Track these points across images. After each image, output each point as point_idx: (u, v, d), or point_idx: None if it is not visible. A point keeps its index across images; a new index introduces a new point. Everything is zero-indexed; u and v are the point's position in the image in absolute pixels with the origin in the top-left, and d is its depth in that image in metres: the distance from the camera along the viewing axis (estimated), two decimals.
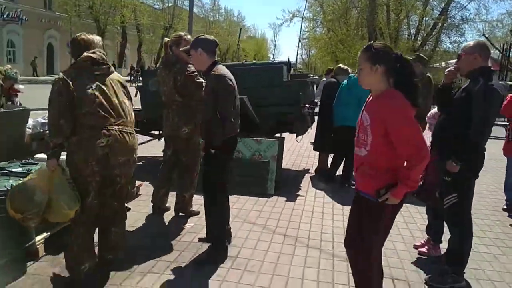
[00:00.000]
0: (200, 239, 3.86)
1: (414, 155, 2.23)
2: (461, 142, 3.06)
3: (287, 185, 5.94)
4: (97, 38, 3.16)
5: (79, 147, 2.85)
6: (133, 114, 3.13)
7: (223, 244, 3.64)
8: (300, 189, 5.84)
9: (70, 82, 2.81)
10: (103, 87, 2.92)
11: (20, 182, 2.95)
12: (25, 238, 3.22)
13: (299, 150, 8.79)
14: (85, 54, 2.93)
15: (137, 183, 5.16)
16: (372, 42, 2.48)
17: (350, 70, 6.87)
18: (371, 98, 2.50)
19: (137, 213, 4.54)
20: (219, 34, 45.54)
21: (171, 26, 37.01)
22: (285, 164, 7.27)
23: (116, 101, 2.95)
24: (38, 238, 3.38)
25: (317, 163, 6.89)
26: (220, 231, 3.63)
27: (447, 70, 3.33)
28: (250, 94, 5.86)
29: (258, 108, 5.90)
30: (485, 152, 3.22)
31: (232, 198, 5.12)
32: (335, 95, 6.17)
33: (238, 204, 5.01)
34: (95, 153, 2.85)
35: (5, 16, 29.05)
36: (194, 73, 4.11)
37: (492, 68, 3.23)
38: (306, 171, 6.96)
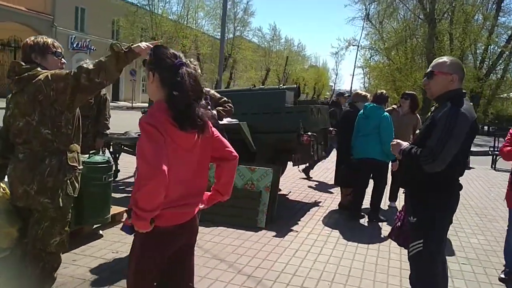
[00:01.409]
0: None
1: (144, 173, 1.84)
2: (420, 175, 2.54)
3: (285, 218, 5.48)
4: None
5: None
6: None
7: None
8: (297, 223, 5.36)
9: None
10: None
11: None
12: None
13: (317, 181, 8.24)
14: None
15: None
16: None
17: (368, 96, 6.39)
18: None
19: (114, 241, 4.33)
20: (278, 63, 45.94)
21: (230, 55, 37.89)
22: (296, 196, 6.83)
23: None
24: None
25: (338, 197, 6.41)
26: None
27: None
28: (249, 120, 5.60)
29: (257, 135, 5.58)
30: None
31: (216, 230, 4.82)
32: (351, 125, 5.73)
33: (219, 237, 4.65)
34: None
35: (74, 45, 31.38)
36: None
37: (464, 91, 2.68)
38: (316, 204, 6.44)
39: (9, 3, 26.10)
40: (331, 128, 6.93)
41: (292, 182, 7.85)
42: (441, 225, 2.61)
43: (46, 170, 2.62)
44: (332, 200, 6.66)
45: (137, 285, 2.08)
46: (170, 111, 1.92)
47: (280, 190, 7.15)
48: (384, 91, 5.85)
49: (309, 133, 5.48)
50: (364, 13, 30.86)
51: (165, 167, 1.83)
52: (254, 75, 43.49)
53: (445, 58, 2.70)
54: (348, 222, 5.56)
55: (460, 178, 2.69)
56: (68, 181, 2.72)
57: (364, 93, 6.57)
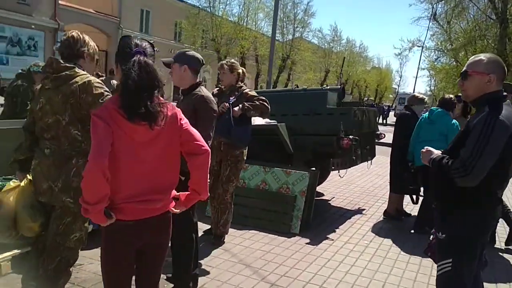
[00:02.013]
0: (167, 278, 3.46)
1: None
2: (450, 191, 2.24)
3: (322, 225, 5.23)
4: None
5: None
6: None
7: None
8: (335, 231, 5.08)
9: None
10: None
11: None
12: None
13: (363, 187, 7.84)
14: None
15: None
16: None
17: (426, 99, 5.95)
18: None
19: None
20: (338, 64, 45.05)
21: (288, 56, 37.68)
22: (339, 202, 6.53)
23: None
24: (4, 254, 3.34)
25: (385, 206, 6.03)
26: (182, 274, 3.20)
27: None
28: (288, 122, 5.42)
29: (295, 137, 5.38)
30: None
31: (248, 233, 4.68)
32: (409, 129, 5.32)
33: (249, 241, 4.51)
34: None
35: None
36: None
37: (505, 94, 2.32)
38: (359, 211, 6.11)
39: (79, 6, 27.65)
40: (378, 132, 6.57)
41: (338, 187, 7.54)
42: (472, 244, 2.29)
43: (72, 170, 2.60)
44: (377, 209, 6.29)
45: (108, 276, 2.06)
46: (119, 101, 1.88)
47: (322, 195, 6.92)
48: (452, 96, 5.39)
49: (350, 136, 5.18)
50: (431, 13, 29.37)
51: (101, 160, 1.80)
52: (312, 76, 42.96)
53: (482, 56, 2.36)
54: (391, 232, 5.20)
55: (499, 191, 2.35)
56: None
57: (421, 96, 6.11)
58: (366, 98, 50.86)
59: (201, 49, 33.87)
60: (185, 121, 2.07)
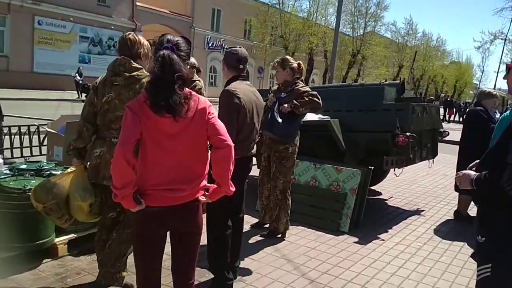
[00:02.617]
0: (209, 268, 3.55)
1: None
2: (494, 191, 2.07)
3: (374, 225, 5.07)
4: None
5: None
6: None
7: (223, 280, 3.26)
8: (387, 232, 4.90)
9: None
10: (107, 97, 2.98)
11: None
12: (40, 235, 3.47)
13: (426, 187, 7.46)
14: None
15: None
16: None
17: (495, 93, 5.48)
18: None
19: None
20: (412, 59, 43.15)
21: (359, 51, 36.73)
22: (396, 202, 6.29)
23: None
24: (61, 238, 3.63)
25: (445, 208, 5.73)
26: (215, 264, 3.28)
27: None
28: (342, 117, 5.32)
29: (349, 134, 5.27)
30: None
31: (295, 229, 4.68)
32: (482, 128, 4.91)
33: (295, 236, 4.50)
34: (90, 161, 2.99)
35: (210, 45, 33.67)
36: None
37: None
38: (417, 212, 5.84)
39: (155, 7, 29.00)
40: (442, 130, 6.22)
41: (398, 186, 7.26)
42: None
43: None
44: (438, 210, 5.98)
45: (138, 260, 2.21)
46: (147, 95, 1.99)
47: (380, 194, 6.71)
48: None
49: (407, 133, 4.96)
50: None
51: (125, 148, 1.92)
52: (385, 71, 41.50)
53: None
54: (449, 235, 4.92)
55: None
56: None
57: (488, 89, 5.68)
58: (443, 94, 48.32)
59: (270, 46, 34.11)
60: (212, 115, 2.12)
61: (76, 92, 20.20)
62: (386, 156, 5.00)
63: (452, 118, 30.79)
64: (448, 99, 34.83)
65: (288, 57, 4.58)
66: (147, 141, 2.03)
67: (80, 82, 18.96)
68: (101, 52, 26.15)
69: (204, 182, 2.20)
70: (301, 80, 4.47)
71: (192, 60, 5.42)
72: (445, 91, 57.64)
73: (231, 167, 2.14)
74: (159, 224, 2.13)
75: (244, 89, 3.25)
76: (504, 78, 2.26)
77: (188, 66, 2.27)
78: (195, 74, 5.35)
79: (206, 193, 2.22)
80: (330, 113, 5.38)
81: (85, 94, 18.55)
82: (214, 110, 2.17)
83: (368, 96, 5.45)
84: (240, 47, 3.44)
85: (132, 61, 2.91)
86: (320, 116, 5.39)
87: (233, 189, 2.20)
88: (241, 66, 3.34)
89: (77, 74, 20.73)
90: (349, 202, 4.82)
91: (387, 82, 6.16)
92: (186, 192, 2.09)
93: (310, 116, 5.38)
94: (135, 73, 2.88)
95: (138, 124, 1.98)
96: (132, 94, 2.80)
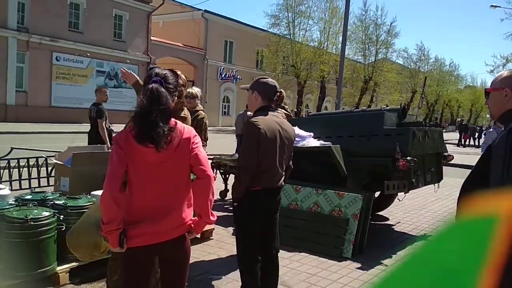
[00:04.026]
0: None
1: None
2: None
3: (379, 250, 5.02)
4: None
5: None
6: None
7: None
8: (391, 257, 4.86)
9: None
10: None
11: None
12: (42, 263, 3.55)
13: (435, 212, 7.36)
14: None
15: (209, 226, 5.18)
16: None
17: None
18: None
19: None
20: (426, 84, 43.08)
21: (371, 78, 36.91)
22: (404, 227, 6.23)
23: None
24: (63, 266, 3.70)
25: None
26: None
27: None
28: (344, 143, 5.37)
29: (350, 159, 5.30)
30: None
31: (298, 256, 4.67)
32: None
33: (297, 263, 4.49)
34: None
35: (223, 76, 34.28)
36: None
37: None
38: (424, 237, 5.76)
39: (169, 40, 29.80)
40: (446, 154, 6.20)
41: (406, 212, 7.19)
42: None
43: None
44: None
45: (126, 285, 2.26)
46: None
47: (387, 219, 6.65)
48: None
49: (408, 158, 4.98)
50: None
51: (113, 187, 1.99)
52: (398, 97, 41.46)
53: (504, 71, 2.22)
54: None
55: None
56: None
57: None
58: (459, 119, 47.86)
59: (281, 75, 34.51)
60: (196, 145, 2.21)
61: None
62: (387, 181, 5.00)
63: (467, 142, 30.40)
64: (463, 123, 34.45)
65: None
66: (131, 171, 2.11)
67: None
68: (117, 86, 26.79)
69: (189, 213, 2.24)
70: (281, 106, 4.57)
71: (196, 89, 5.59)
72: (461, 115, 57.14)
73: (212, 198, 2.20)
74: (145, 263, 2.21)
75: (268, 120, 3.17)
76: (485, 103, 2.30)
77: (176, 98, 2.36)
78: (198, 103, 5.50)
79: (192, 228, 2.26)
80: (333, 139, 5.46)
81: None
82: (198, 140, 2.25)
83: (369, 122, 5.51)
84: (269, 78, 3.51)
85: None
86: (322, 142, 5.47)
87: (213, 218, 2.24)
88: (275, 98, 3.45)
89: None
90: (351, 228, 4.81)
91: (388, 107, 6.21)
92: (170, 225, 2.14)
93: (312, 142, 5.46)
94: None
95: (123, 157, 2.08)
96: None
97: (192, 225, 2.24)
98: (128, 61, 26.86)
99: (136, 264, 2.16)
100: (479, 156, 2.30)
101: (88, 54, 24.69)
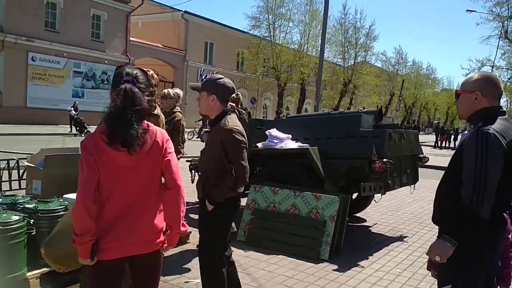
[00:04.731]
0: None
1: None
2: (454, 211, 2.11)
3: (355, 251, 5.05)
4: None
5: None
6: None
7: None
8: (368, 258, 4.88)
9: None
10: None
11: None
12: (11, 269, 3.44)
13: (411, 213, 7.46)
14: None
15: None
16: None
17: None
18: None
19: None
20: (404, 87, 43.77)
21: (350, 81, 37.27)
22: (380, 229, 6.29)
23: None
24: (33, 272, 3.59)
25: (428, 234, 5.71)
26: None
27: None
28: (321, 145, 5.40)
29: (328, 161, 5.32)
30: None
31: (275, 258, 4.66)
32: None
33: (274, 266, 4.47)
34: None
35: (203, 77, 34.17)
36: None
37: (502, 109, 2.20)
38: (400, 239, 5.82)
39: (148, 41, 29.53)
40: (421, 155, 6.29)
41: (383, 213, 7.26)
42: (472, 269, 2.13)
43: None
44: (421, 236, 5.97)
45: None
46: (104, 128, 1.99)
47: (364, 221, 6.70)
48: None
49: (384, 159, 5.03)
50: (501, 31, 27.81)
51: (86, 197, 1.91)
52: (377, 100, 41.99)
53: (473, 74, 2.30)
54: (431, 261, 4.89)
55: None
56: None
57: None
58: (436, 122, 48.81)
59: (262, 77, 34.59)
60: (169, 151, 2.13)
61: (69, 126, 20.32)
62: (363, 183, 5.04)
63: (444, 144, 31.03)
64: (439, 125, 35.18)
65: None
66: (101, 176, 2.00)
67: (75, 116, 19.14)
68: (95, 86, 26.42)
69: (160, 220, 2.16)
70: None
71: (176, 90, 5.52)
72: (437, 118, 58.24)
73: (183, 208, 2.14)
74: (115, 274, 2.12)
75: (238, 126, 3.05)
76: (454, 103, 2.36)
77: (146, 97, 2.29)
78: (176, 105, 5.43)
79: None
80: (311, 141, 5.48)
81: (78, 128, 18.75)
82: (171, 145, 2.18)
83: (346, 124, 5.54)
84: (225, 78, 3.15)
85: None
86: (300, 144, 5.48)
87: (184, 229, 2.18)
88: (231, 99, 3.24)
89: (72, 108, 20.88)
90: (329, 229, 4.82)
91: (365, 109, 6.27)
92: (142, 235, 2.07)
93: (290, 144, 5.46)
94: None
95: (94, 164, 1.97)
96: None
97: (166, 241, 2.18)
98: (106, 62, 26.53)
99: (106, 278, 2.07)
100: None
101: (65, 54, 24.28)
